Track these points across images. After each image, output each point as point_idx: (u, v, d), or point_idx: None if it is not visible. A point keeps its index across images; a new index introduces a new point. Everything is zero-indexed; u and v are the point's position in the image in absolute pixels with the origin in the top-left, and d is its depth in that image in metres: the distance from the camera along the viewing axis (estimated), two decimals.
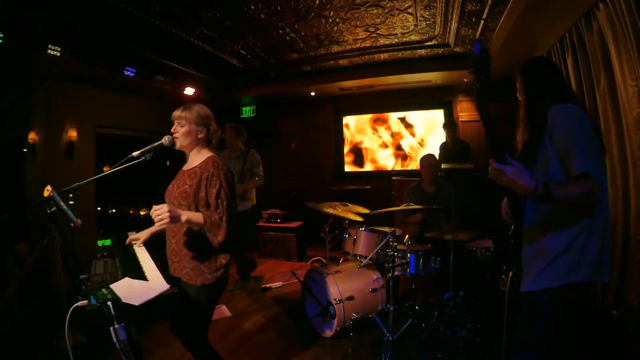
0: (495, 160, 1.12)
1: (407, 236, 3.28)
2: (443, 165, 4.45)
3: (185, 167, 1.73)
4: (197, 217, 1.51)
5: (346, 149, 6.75)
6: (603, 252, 1.26)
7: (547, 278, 1.27)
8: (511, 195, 1.35)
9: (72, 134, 4.56)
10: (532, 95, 1.40)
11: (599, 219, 1.25)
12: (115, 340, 1.06)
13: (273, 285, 4.03)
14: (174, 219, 1.40)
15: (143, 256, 1.74)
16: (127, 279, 1.36)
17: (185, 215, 1.46)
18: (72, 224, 1.53)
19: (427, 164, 3.30)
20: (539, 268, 1.30)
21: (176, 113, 1.68)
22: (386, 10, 3.69)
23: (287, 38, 4.35)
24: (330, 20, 3.89)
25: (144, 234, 1.91)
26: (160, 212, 1.37)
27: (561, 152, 1.23)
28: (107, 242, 1.97)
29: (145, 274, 1.47)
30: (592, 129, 1.25)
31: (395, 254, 2.60)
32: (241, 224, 4.02)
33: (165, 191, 1.73)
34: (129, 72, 4.32)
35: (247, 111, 7.10)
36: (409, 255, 2.80)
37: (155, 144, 1.68)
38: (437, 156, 3.58)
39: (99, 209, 5.15)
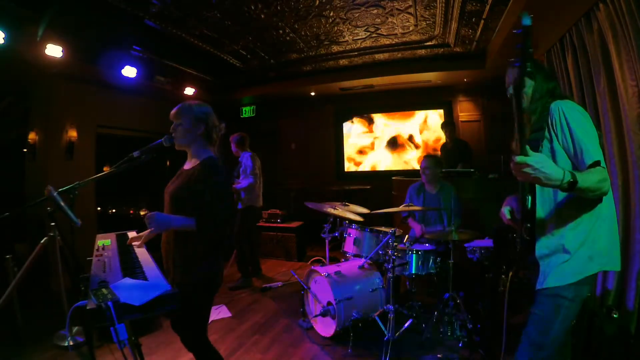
0: (520, 151, 1.08)
1: (407, 236, 3.28)
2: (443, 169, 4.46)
3: (185, 167, 1.73)
4: (189, 222, 1.52)
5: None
6: (613, 240, 1.30)
7: (567, 272, 1.28)
8: (522, 196, 1.32)
9: (72, 134, 4.55)
10: (534, 95, 1.41)
11: (607, 208, 1.29)
12: (115, 340, 1.06)
13: (273, 285, 4.03)
14: (163, 226, 1.52)
15: (143, 256, 1.74)
16: (127, 279, 1.36)
17: (176, 222, 1.53)
18: (72, 224, 1.52)
19: (422, 165, 3.30)
20: (557, 263, 1.30)
21: (173, 112, 1.68)
22: (386, 10, 3.68)
23: (287, 38, 4.34)
24: (330, 20, 3.89)
25: (145, 236, 1.91)
26: (152, 221, 1.47)
27: (568, 144, 1.27)
28: (107, 242, 1.97)
29: (145, 274, 1.47)
30: (592, 122, 1.30)
31: (395, 254, 2.60)
32: (243, 222, 4.04)
33: (165, 189, 1.73)
34: (128, 72, 4.32)
35: (247, 111, 7.09)
36: (409, 255, 2.80)
37: (155, 143, 1.67)
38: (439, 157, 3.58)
39: (99, 209, 5.14)
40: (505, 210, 1.46)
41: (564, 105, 1.31)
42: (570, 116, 1.27)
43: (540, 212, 1.33)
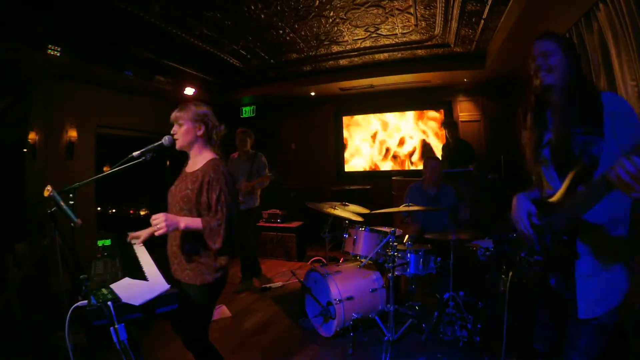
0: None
1: (407, 236, 3.28)
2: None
3: (188, 169, 1.74)
4: (196, 223, 1.54)
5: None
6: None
7: (615, 292, 1.18)
8: (583, 204, 1.11)
9: (72, 134, 4.56)
10: (570, 81, 1.20)
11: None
12: (115, 340, 1.06)
13: (273, 285, 4.03)
14: (171, 226, 1.49)
15: (143, 256, 1.74)
16: (127, 279, 1.36)
17: (183, 222, 1.53)
18: (72, 224, 1.52)
19: (431, 165, 3.30)
20: (605, 282, 1.16)
21: (174, 114, 1.70)
22: (386, 10, 3.68)
23: (287, 38, 4.34)
24: (330, 20, 3.89)
25: (145, 233, 1.91)
26: (158, 221, 1.46)
27: (628, 146, 1.06)
28: (107, 242, 1.96)
29: (145, 274, 1.47)
30: None
31: (395, 254, 2.60)
32: (247, 223, 4.02)
33: (168, 191, 1.75)
34: (128, 72, 4.32)
35: (247, 111, 7.09)
36: (409, 255, 2.80)
37: (155, 144, 1.69)
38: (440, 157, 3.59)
39: (99, 209, 5.15)
40: (523, 213, 1.23)
41: (618, 98, 1.13)
42: (632, 113, 1.10)
43: (591, 221, 1.11)
